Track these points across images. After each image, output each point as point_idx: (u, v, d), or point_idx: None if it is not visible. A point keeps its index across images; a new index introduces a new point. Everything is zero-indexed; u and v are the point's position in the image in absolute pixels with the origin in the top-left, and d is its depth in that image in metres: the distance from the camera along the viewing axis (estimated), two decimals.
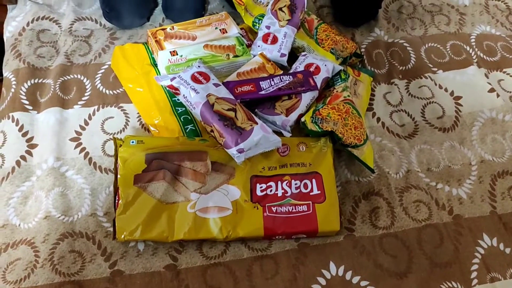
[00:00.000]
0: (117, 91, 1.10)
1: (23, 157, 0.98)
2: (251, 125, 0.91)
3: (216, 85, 0.97)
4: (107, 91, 1.10)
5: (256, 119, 0.94)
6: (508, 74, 1.28)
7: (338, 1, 1.36)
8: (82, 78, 1.12)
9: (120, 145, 0.90)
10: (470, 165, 1.08)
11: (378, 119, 1.14)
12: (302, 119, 1.01)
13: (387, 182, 1.02)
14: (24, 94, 1.07)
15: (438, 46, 1.32)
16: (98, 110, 1.07)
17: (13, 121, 1.03)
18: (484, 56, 1.31)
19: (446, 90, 1.22)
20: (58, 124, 1.03)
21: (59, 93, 1.08)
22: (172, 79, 0.97)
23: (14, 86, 1.08)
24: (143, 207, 0.86)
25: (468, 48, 1.32)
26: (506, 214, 1.01)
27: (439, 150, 1.10)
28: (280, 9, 1.18)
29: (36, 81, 1.10)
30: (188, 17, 1.21)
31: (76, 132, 1.03)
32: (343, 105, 1.02)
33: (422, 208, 0.99)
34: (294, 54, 1.19)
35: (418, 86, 1.22)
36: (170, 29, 1.12)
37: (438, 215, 0.99)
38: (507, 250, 0.95)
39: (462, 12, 1.43)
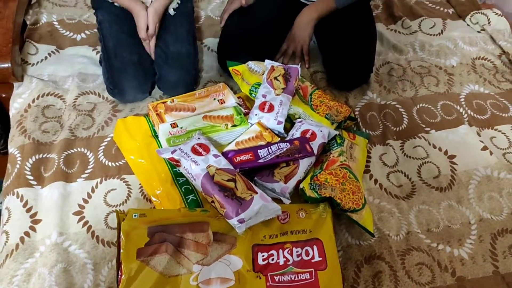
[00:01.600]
0: (120, 162, 1.13)
1: (27, 233, 0.99)
2: (251, 195, 0.93)
3: (216, 156, 1.00)
4: (109, 163, 1.13)
5: (256, 188, 0.96)
6: (499, 131, 1.31)
7: (331, 66, 1.42)
8: (85, 151, 1.16)
9: (123, 219, 0.92)
10: (469, 224, 1.09)
11: (376, 181, 1.17)
12: (301, 186, 1.03)
13: (388, 245, 1.03)
14: (29, 169, 1.10)
15: (429, 106, 1.37)
16: (101, 182, 1.09)
17: (17, 197, 1.05)
18: (475, 115, 1.35)
19: (440, 149, 1.25)
20: (61, 198, 1.05)
21: (62, 167, 1.11)
22: (173, 152, 1.00)
23: (19, 162, 1.11)
24: (146, 281, 0.85)
25: (458, 108, 1.37)
26: (509, 273, 1.00)
27: (437, 210, 1.11)
28: (275, 78, 1.23)
29: (40, 156, 1.14)
30: (180, 90, 1.27)
31: (79, 205, 1.05)
32: (340, 170, 1.05)
33: (424, 271, 0.99)
34: (290, 119, 1.23)
35: (412, 146, 1.26)
36: (171, 102, 1.17)
37: (441, 278, 0.99)
38: None
39: (450, 73, 1.49)
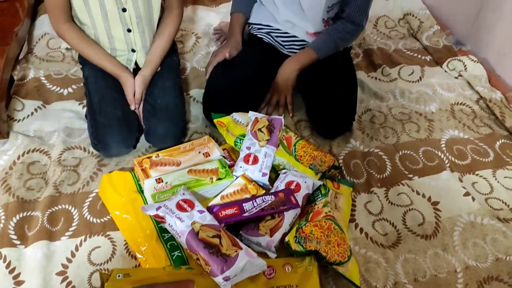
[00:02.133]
0: (104, 219, 1.13)
1: None
2: (236, 251, 0.93)
3: (201, 211, 1.00)
4: (94, 220, 1.13)
5: (241, 243, 0.96)
6: (480, 176, 1.34)
7: (314, 115, 1.45)
8: (70, 208, 1.15)
9: (107, 279, 0.91)
10: (456, 272, 1.09)
11: (361, 230, 1.17)
12: (286, 239, 1.03)
13: None
14: (12, 228, 1.09)
15: (411, 153, 1.39)
16: (85, 240, 1.08)
17: (0, 257, 1.03)
18: (456, 160, 1.38)
19: (423, 196, 1.26)
20: (45, 258, 1.03)
21: (46, 225, 1.10)
22: (158, 209, 1.00)
23: (3, 221, 1.10)
24: None
25: (439, 153, 1.40)
26: None
27: (423, 258, 1.12)
28: (259, 129, 1.26)
29: (24, 214, 1.13)
30: (169, 142, 1.28)
31: (63, 265, 1.03)
32: (325, 222, 1.05)
33: None
34: (275, 170, 1.25)
35: (396, 193, 1.27)
36: (156, 156, 1.18)
37: None
38: None
39: (430, 119, 1.53)
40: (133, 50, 1.32)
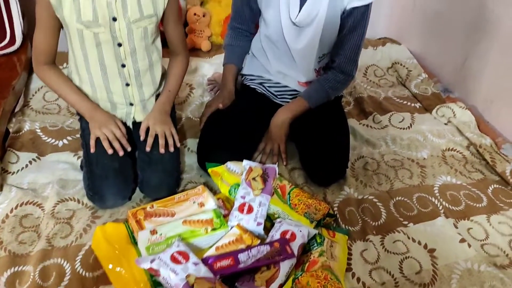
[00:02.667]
0: (97, 273, 1.10)
1: None
2: None
3: (195, 263, 0.99)
4: (87, 274, 1.10)
5: None
6: (475, 222, 1.34)
7: (308, 163, 1.47)
8: (62, 262, 1.13)
9: None
10: None
11: (358, 279, 1.16)
12: None
13: None
14: (3, 284, 1.07)
15: (406, 199, 1.40)
16: None
17: None
18: (450, 206, 1.39)
19: (419, 243, 1.26)
20: None
21: (38, 280, 1.08)
22: (152, 261, 0.99)
23: None
24: None
25: (433, 199, 1.41)
26: None
27: None
28: (254, 178, 1.26)
29: (16, 269, 1.10)
30: (163, 193, 1.28)
31: None
32: (321, 271, 1.04)
33: None
34: (270, 218, 1.24)
35: (392, 241, 1.27)
36: (150, 207, 1.17)
37: None
38: None
39: (422, 165, 1.55)
40: (131, 104, 1.34)
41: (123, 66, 1.25)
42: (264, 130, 1.51)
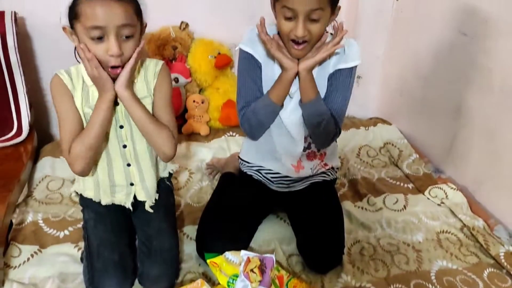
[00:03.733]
0: None
1: None
2: None
3: None
4: None
5: None
6: None
7: (304, 250, 1.49)
8: None
9: None
10: None
11: None
12: None
13: None
14: None
15: (403, 286, 1.41)
16: None
17: None
18: None
19: None
20: None
21: None
22: None
23: None
24: None
25: (430, 286, 1.42)
26: None
27: None
28: (252, 270, 1.28)
29: None
30: (162, 283, 1.30)
31: None
32: None
33: None
34: None
35: None
36: None
37: None
38: None
39: (418, 249, 1.57)
40: (132, 184, 1.38)
41: (125, 146, 1.31)
42: (261, 217, 1.54)
